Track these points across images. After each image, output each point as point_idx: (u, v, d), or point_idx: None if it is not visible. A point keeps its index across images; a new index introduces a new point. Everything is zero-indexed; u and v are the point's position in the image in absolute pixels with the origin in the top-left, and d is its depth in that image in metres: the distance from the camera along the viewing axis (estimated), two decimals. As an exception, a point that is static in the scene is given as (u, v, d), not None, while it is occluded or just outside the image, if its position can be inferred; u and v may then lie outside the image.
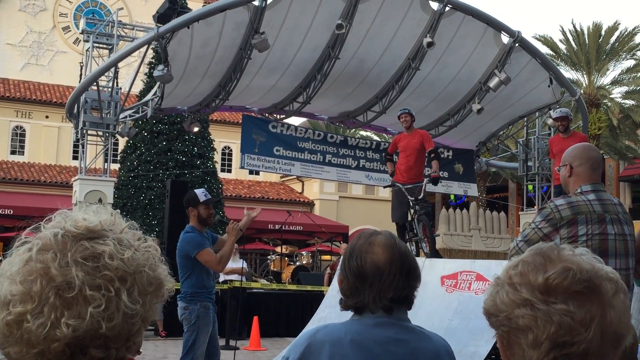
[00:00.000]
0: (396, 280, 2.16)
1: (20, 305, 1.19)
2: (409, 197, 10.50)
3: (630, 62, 29.66)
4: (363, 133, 30.42)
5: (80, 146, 15.15)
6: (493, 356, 7.30)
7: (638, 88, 29.18)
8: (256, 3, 13.27)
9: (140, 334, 1.27)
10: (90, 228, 1.27)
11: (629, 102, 29.37)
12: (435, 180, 10.69)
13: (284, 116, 17.84)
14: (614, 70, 30.02)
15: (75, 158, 29.35)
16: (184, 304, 6.49)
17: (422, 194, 10.53)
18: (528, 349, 1.30)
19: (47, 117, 33.20)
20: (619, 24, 29.25)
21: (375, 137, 27.13)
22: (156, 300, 1.29)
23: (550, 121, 17.36)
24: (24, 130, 33.22)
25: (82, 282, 1.20)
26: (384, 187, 11.29)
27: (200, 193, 6.68)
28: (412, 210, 10.72)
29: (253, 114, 17.49)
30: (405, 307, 2.22)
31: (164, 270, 1.32)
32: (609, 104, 29.12)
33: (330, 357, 2.12)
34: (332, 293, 9.53)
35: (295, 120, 23.51)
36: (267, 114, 17.68)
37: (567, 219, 3.92)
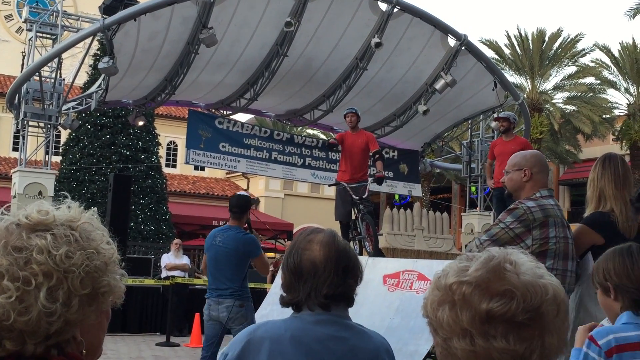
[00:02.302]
0: (331, 277, 2.18)
1: None
2: (353, 196, 10.55)
3: (572, 69, 30.37)
4: (310, 131, 30.44)
5: (20, 137, 14.82)
6: (433, 355, 7.39)
7: (579, 94, 29.85)
8: (205, -2, 13.16)
9: (64, 334, 1.23)
10: (40, 220, 1.25)
11: (570, 108, 30.04)
12: (379, 180, 10.79)
13: (230, 112, 17.76)
14: (556, 76, 30.58)
15: (15, 149, 28.66)
16: (239, 302, 6.75)
17: (365, 194, 10.60)
18: None
19: (-14, 106, 32.39)
20: (562, 30, 29.94)
21: (322, 136, 27.18)
22: (92, 305, 1.26)
23: (494, 124, 17.65)
24: (-38, 120, 32.33)
25: (5, 270, 1.18)
26: (329, 185, 11.35)
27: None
28: (355, 209, 10.77)
29: (199, 110, 17.37)
30: (345, 304, 2.24)
31: (114, 279, 1.29)
32: (551, 108, 29.73)
33: (270, 353, 2.13)
34: (275, 290, 9.53)
35: (242, 117, 23.40)
36: (213, 110, 17.56)
37: (539, 221, 4.01)
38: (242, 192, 7.23)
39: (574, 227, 4.31)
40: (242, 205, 6.98)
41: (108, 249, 1.30)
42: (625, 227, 4.16)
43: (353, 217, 10.86)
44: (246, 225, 7.09)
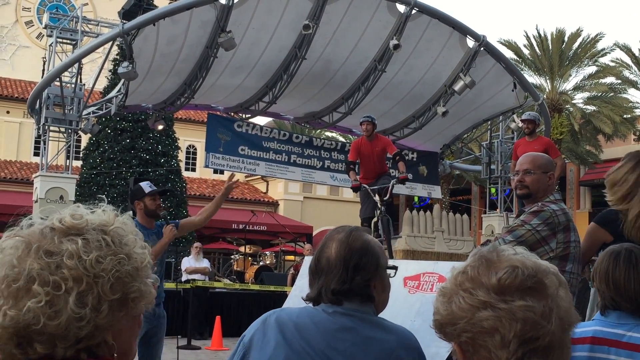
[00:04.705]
0: (340, 273, 2.22)
1: None
2: (374, 198, 10.54)
3: (592, 69, 30.11)
4: (328, 134, 30.45)
5: (41, 142, 14.94)
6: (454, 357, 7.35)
7: (599, 94, 29.60)
8: (223, 1, 13.21)
9: (93, 338, 1.24)
10: (73, 225, 1.26)
11: (591, 108, 29.79)
12: (403, 181, 10.78)
13: (249, 116, 17.79)
14: (576, 76, 30.41)
15: (36, 154, 28.93)
16: None
17: (387, 195, 10.57)
18: (496, 350, 1.30)
19: (8, 112, 32.68)
20: (582, 30, 29.71)
21: (341, 138, 27.15)
22: (122, 310, 1.26)
23: (513, 125, 17.58)
24: (-16, 126, 32.68)
25: (37, 274, 1.19)
26: (351, 188, 11.27)
27: (145, 185, 6.34)
28: (377, 211, 10.75)
29: (218, 113, 17.41)
30: (360, 300, 2.24)
31: (145, 284, 1.29)
32: (571, 109, 29.51)
33: (277, 339, 2.17)
34: (295, 293, 9.52)
35: (261, 120, 23.47)
36: (232, 113, 17.61)
37: (563, 224, 4.00)
38: (142, 182, 6.48)
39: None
40: (129, 194, 6.40)
41: (140, 254, 1.29)
42: (629, 228, 4.02)
43: (375, 219, 10.83)
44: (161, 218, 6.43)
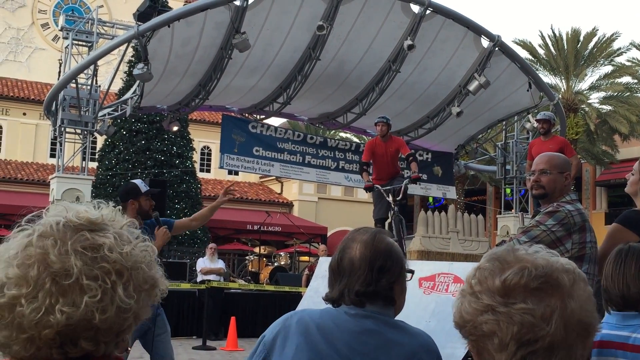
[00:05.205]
0: (364, 275, 2.21)
1: (15, 289, 1.19)
2: (387, 198, 10.54)
3: (608, 68, 29.95)
4: (343, 135, 30.45)
5: (57, 144, 15.03)
6: (469, 358, 7.33)
7: (615, 94, 29.43)
8: (237, 3, 13.24)
9: (130, 330, 1.27)
10: (91, 220, 1.27)
11: (606, 108, 29.63)
12: (415, 181, 10.80)
13: (264, 116, 17.81)
14: (592, 76, 30.19)
15: (52, 156, 29.11)
16: None
17: (400, 195, 10.56)
18: (496, 353, 1.31)
19: (24, 114, 32.90)
20: (597, 30, 29.64)
21: (355, 139, 27.17)
22: (149, 299, 1.29)
23: (528, 125, 17.51)
24: (1, 127, 32.89)
25: (80, 271, 1.20)
26: (364, 188, 11.30)
27: (141, 183, 6.11)
28: (391, 212, 10.75)
29: (233, 114, 17.45)
30: (382, 303, 2.24)
31: (159, 271, 1.32)
32: (587, 109, 29.36)
33: (299, 341, 2.16)
34: (310, 294, 9.53)
35: (275, 121, 23.50)
36: (247, 114, 17.64)
37: (579, 225, 3.96)
38: (135, 180, 6.28)
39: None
40: (121, 193, 6.16)
41: (149, 246, 1.32)
42: None
43: (389, 220, 10.83)
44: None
